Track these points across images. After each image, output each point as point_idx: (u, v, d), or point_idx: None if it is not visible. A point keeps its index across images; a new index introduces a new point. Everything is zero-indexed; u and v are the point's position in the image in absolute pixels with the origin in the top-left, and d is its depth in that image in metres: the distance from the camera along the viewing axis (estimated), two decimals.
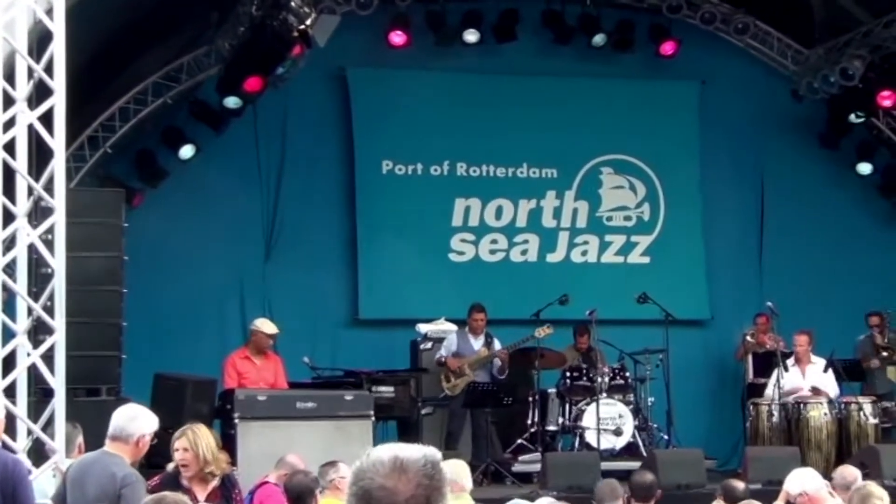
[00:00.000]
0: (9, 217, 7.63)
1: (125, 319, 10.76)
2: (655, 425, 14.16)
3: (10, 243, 7.81)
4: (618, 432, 13.54)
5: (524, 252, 15.88)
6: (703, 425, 15.35)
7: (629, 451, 13.57)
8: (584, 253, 16.04)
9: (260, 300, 14.82)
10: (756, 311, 15.00)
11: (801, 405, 13.03)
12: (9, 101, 7.62)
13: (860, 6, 15.62)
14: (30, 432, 7.40)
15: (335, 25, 14.05)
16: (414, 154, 15.63)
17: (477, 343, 13.64)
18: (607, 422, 13.48)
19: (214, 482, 7.33)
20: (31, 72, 7.59)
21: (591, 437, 13.42)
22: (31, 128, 7.57)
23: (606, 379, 13.81)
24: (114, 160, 14.41)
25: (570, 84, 16.13)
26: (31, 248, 7.69)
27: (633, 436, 13.66)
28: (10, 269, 7.89)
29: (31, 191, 7.55)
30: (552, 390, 14.05)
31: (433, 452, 2.70)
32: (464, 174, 15.77)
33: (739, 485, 8.85)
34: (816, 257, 16.26)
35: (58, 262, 7.52)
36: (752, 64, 16.49)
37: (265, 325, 12.63)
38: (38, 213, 8.04)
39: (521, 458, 13.61)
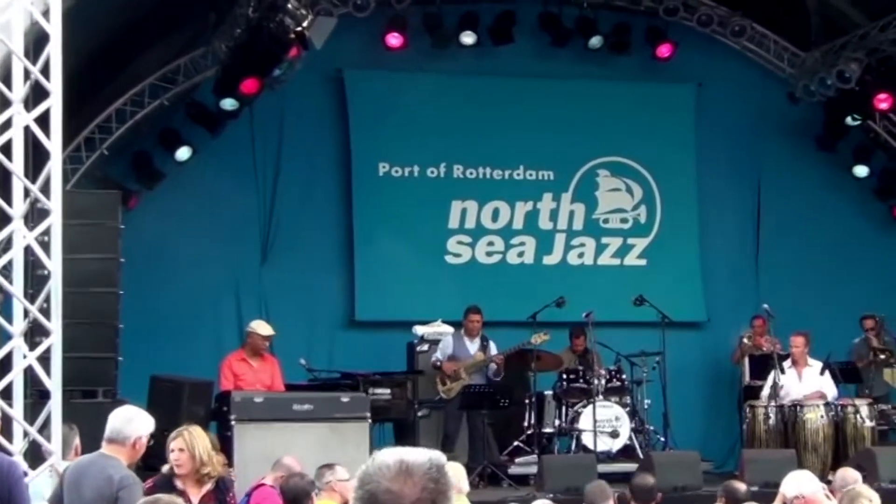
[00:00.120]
0: (5, 219, 7.61)
1: (121, 321, 10.76)
2: (652, 427, 14.17)
3: (6, 245, 7.80)
4: (614, 434, 13.54)
5: (521, 254, 15.89)
6: (699, 428, 15.35)
7: (626, 453, 13.58)
8: (581, 255, 16.05)
9: (256, 302, 14.81)
10: (752, 314, 15.03)
11: (798, 408, 13.03)
12: (5, 103, 7.60)
13: (857, 9, 15.64)
14: (26, 434, 7.38)
15: (332, 27, 14.04)
16: (410, 156, 15.63)
17: (473, 346, 13.63)
18: (604, 424, 13.49)
19: (209, 485, 7.32)
20: (27, 73, 7.57)
21: (587, 440, 13.42)
22: (27, 129, 7.55)
23: (603, 381, 13.83)
24: (110, 162, 14.41)
25: (566, 86, 16.13)
26: (28, 250, 7.67)
27: (630, 438, 13.68)
28: (6, 270, 7.88)
29: (27, 192, 7.54)
30: (549, 392, 14.05)
31: (438, 456, 2.71)
32: (460, 176, 15.77)
33: (741, 486, 8.83)
34: (813, 260, 16.27)
35: (54, 264, 7.51)
36: (749, 67, 16.50)
37: (261, 327, 12.62)
38: (35, 214, 8.03)
39: (517, 460, 13.62)
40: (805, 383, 13.43)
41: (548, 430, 13.93)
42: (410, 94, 15.64)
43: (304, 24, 13.22)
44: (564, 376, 13.98)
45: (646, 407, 14.13)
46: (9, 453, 7.07)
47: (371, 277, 15.28)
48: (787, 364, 13.52)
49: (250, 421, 11.03)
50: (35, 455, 7.48)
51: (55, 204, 7.57)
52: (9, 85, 7.61)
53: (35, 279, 8.23)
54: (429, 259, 15.55)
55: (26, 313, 7.52)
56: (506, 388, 13.42)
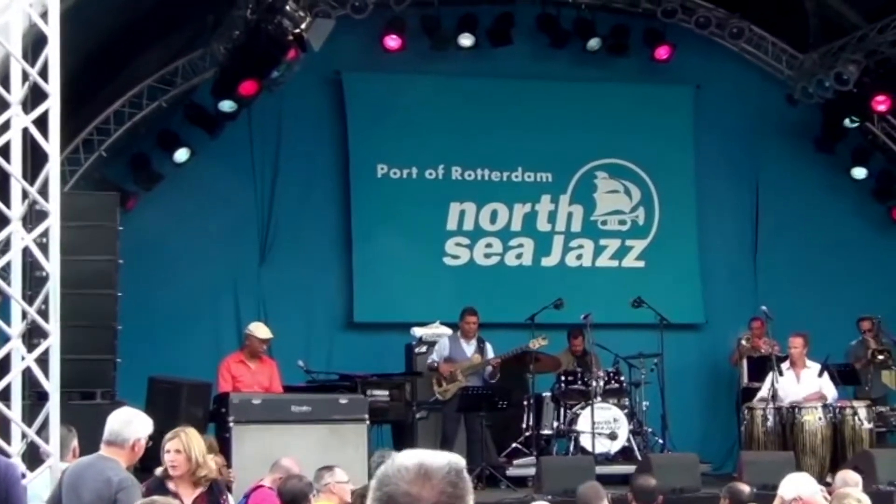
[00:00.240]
0: (3, 221, 7.61)
1: (120, 322, 10.76)
2: (650, 429, 14.16)
3: (4, 247, 7.80)
4: (613, 436, 13.54)
5: (519, 256, 15.89)
6: (697, 429, 15.35)
7: (624, 455, 13.58)
8: (579, 257, 16.05)
9: (255, 304, 14.82)
10: (751, 316, 15.02)
11: (796, 410, 13.02)
12: (3, 105, 7.60)
13: (855, 11, 15.64)
14: (24, 436, 7.38)
15: (330, 29, 14.04)
16: (409, 158, 15.64)
17: (469, 348, 13.60)
18: (602, 426, 13.49)
19: (202, 487, 7.31)
20: (25, 75, 7.57)
21: (585, 441, 13.42)
22: (25, 131, 7.55)
23: (601, 383, 13.82)
24: (109, 163, 14.41)
25: (564, 88, 16.14)
26: (26, 252, 7.67)
27: (628, 440, 13.68)
28: (4, 272, 7.88)
29: (25, 194, 7.54)
30: (547, 394, 14.04)
31: (458, 460, 2.71)
32: (459, 178, 15.77)
33: (745, 488, 8.78)
34: (811, 262, 16.27)
35: (52, 266, 7.51)
36: (747, 68, 16.51)
37: (258, 330, 12.61)
38: (33, 216, 8.02)
39: (515, 461, 13.61)
40: (803, 385, 13.42)
41: (546, 431, 13.93)
42: (409, 95, 15.65)
43: (303, 25, 13.22)
44: (563, 378, 13.97)
45: (644, 409, 14.13)
46: (7, 455, 7.06)
47: (369, 279, 15.28)
48: (785, 366, 13.52)
49: (249, 422, 11.03)
50: (33, 457, 7.49)
51: (53, 205, 7.56)
52: (7, 87, 7.60)
53: (33, 281, 8.24)
54: (427, 260, 15.55)
55: (24, 315, 7.52)
56: (504, 390, 13.41)
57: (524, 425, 13.92)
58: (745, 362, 14.89)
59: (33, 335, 7.77)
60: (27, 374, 7.56)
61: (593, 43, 15.77)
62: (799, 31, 15.95)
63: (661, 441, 14.15)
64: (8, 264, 7.64)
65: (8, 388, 7.46)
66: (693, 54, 16.21)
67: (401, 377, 13.31)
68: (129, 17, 13.39)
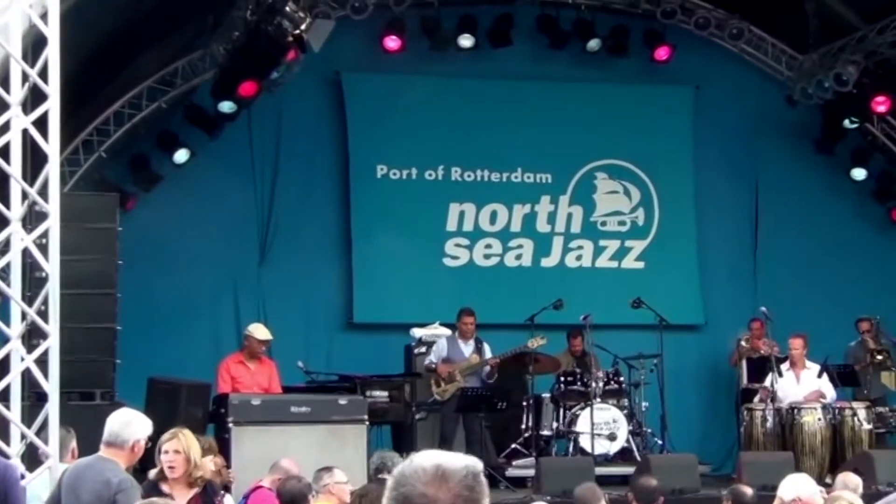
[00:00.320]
0: (3, 221, 7.61)
1: (119, 323, 10.76)
2: (650, 430, 14.16)
3: (4, 248, 7.80)
4: (612, 437, 13.54)
5: (518, 257, 15.89)
6: (697, 430, 15.36)
7: (623, 456, 13.58)
8: (579, 258, 16.06)
9: (254, 304, 14.82)
10: (750, 317, 15.02)
11: (795, 410, 13.02)
12: (3, 106, 7.60)
13: (854, 12, 15.64)
14: (23, 437, 7.38)
15: (330, 30, 14.05)
16: (408, 158, 15.64)
17: (467, 348, 13.59)
18: (601, 427, 13.49)
19: (197, 488, 7.31)
20: (25, 76, 7.57)
21: (585, 442, 13.42)
22: (25, 132, 7.56)
23: (601, 384, 13.82)
24: (108, 164, 14.41)
25: (564, 89, 16.14)
26: (26, 253, 7.67)
27: (628, 441, 13.67)
28: (4, 273, 7.88)
29: (25, 195, 7.54)
30: (546, 395, 14.04)
31: (475, 463, 2.71)
32: (458, 179, 15.78)
33: (748, 490, 8.76)
34: (811, 263, 16.27)
35: (52, 267, 7.51)
36: (747, 69, 16.51)
37: (258, 331, 12.61)
38: (33, 217, 8.03)
39: (515, 462, 13.61)
40: (803, 385, 13.42)
41: (545, 432, 13.93)
42: (408, 96, 15.65)
43: (302, 26, 13.22)
44: (562, 379, 13.97)
45: (643, 409, 14.12)
46: (6, 456, 7.07)
47: (369, 279, 15.28)
48: (784, 367, 13.52)
49: (248, 423, 11.03)
50: (32, 458, 7.49)
51: (53, 206, 7.56)
52: (7, 88, 7.60)
53: (33, 281, 8.24)
54: (427, 261, 15.56)
55: (24, 316, 7.51)
56: (503, 391, 13.41)
57: (523, 426, 13.91)
58: (744, 363, 14.90)
59: (33, 336, 7.77)
60: (26, 375, 7.56)
61: (593, 44, 15.77)
62: (798, 32, 15.94)
63: (660, 442, 14.15)
64: (7, 265, 7.64)
65: (7, 388, 7.46)
66: (693, 55, 16.21)
67: (400, 378, 13.30)
68: (129, 17, 13.39)
